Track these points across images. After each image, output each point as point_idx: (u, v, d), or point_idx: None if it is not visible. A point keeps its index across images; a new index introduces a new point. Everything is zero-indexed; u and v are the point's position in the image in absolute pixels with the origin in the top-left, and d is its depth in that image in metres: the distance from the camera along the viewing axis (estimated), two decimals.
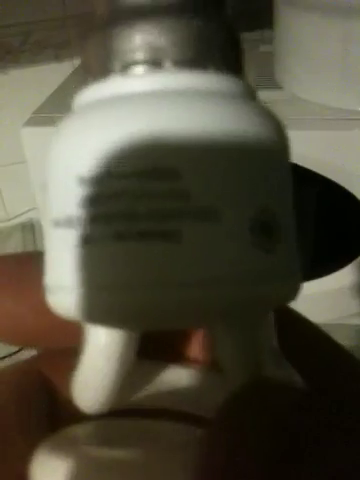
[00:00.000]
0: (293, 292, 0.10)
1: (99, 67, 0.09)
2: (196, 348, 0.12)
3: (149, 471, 0.09)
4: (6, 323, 0.11)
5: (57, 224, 0.09)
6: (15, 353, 0.55)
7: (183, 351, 0.12)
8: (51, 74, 0.63)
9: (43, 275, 0.09)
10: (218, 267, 0.08)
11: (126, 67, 0.09)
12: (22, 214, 0.75)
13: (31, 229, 0.75)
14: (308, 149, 0.42)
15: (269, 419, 0.09)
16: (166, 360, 0.12)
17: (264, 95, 0.47)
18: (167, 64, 0.09)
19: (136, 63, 0.09)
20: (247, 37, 0.67)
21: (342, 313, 0.53)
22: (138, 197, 0.08)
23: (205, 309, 0.09)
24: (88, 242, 0.08)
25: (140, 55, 0.09)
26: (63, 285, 0.09)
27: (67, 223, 0.09)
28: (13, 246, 0.72)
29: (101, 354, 0.10)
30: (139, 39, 0.09)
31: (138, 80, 0.09)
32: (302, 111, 0.44)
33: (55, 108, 0.48)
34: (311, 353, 0.12)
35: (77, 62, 0.65)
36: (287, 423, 0.09)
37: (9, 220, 0.76)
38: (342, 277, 0.50)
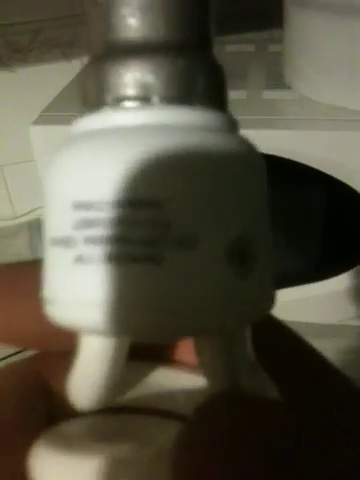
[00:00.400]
0: (265, 309, 0.11)
1: (94, 99, 0.10)
2: (183, 351, 0.13)
3: (135, 463, 0.10)
4: (9, 326, 0.12)
5: (54, 242, 0.10)
6: (14, 354, 0.55)
7: (171, 353, 0.13)
8: (59, 73, 0.63)
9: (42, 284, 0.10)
10: (195, 289, 0.09)
11: (118, 101, 0.10)
12: (29, 212, 0.75)
13: (38, 227, 0.75)
14: (317, 150, 0.42)
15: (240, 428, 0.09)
16: (155, 361, 0.12)
17: (273, 95, 0.47)
18: (155, 100, 0.10)
19: (127, 98, 0.10)
20: (256, 37, 0.67)
21: (346, 315, 0.53)
22: (125, 223, 0.09)
23: (183, 327, 0.09)
24: (80, 261, 0.09)
25: (130, 91, 0.10)
26: (57, 298, 0.10)
27: (62, 242, 0.10)
28: (20, 244, 0.73)
29: (95, 358, 0.10)
30: (129, 76, 0.10)
31: (128, 114, 0.10)
32: (311, 111, 0.44)
33: (64, 107, 0.48)
34: (288, 360, 0.13)
35: (86, 61, 0.65)
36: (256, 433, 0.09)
37: (16, 218, 0.76)
38: (347, 279, 0.50)
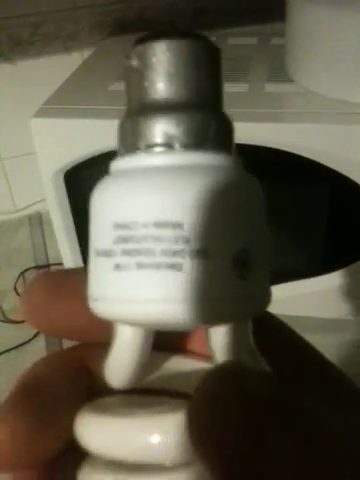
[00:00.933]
0: (263, 306, 0.13)
1: (130, 144, 0.13)
2: (195, 342, 0.15)
3: (154, 421, 0.12)
4: (59, 321, 0.14)
5: (97, 253, 0.13)
6: (14, 348, 0.55)
7: (184, 344, 0.15)
8: (60, 66, 0.63)
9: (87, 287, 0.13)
10: (208, 289, 0.12)
11: (148, 147, 0.13)
12: (30, 206, 0.75)
13: (39, 221, 0.75)
14: (319, 143, 0.41)
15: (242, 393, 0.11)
16: (171, 351, 0.15)
17: (275, 88, 0.47)
18: (177, 146, 0.12)
19: (155, 145, 0.13)
20: (259, 30, 0.67)
21: (347, 309, 0.53)
22: (154, 239, 0.12)
23: (199, 318, 0.12)
24: (118, 269, 0.12)
25: (158, 139, 0.13)
26: (100, 296, 0.13)
27: (104, 253, 0.12)
28: (21, 238, 0.73)
29: (127, 346, 0.13)
30: (157, 128, 0.13)
31: (156, 157, 0.13)
32: (313, 105, 0.44)
33: (64, 100, 0.48)
34: (285, 352, 0.15)
35: (86, 54, 0.65)
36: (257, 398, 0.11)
37: (17, 212, 0.76)
38: (349, 274, 0.50)
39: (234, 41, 0.60)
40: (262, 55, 0.56)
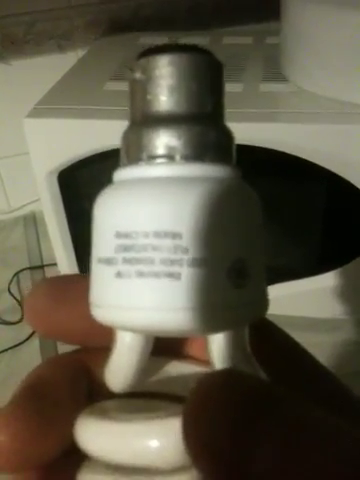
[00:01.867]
0: (261, 312, 0.14)
1: (132, 154, 0.13)
2: (195, 348, 0.15)
3: (152, 426, 0.12)
4: (61, 325, 0.15)
5: (99, 261, 0.13)
6: (10, 348, 0.55)
7: (183, 349, 0.16)
8: (54, 65, 0.62)
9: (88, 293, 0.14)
10: (206, 297, 0.12)
11: (150, 158, 0.13)
12: (24, 206, 0.75)
13: (33, 221, 0.75)
14: (314, 143, 0.41)
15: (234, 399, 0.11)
16: (172, 357, 0.15)
17: (270, 88, 0.47)
18: (177, 158, 0.13)
19: (157, 156, 0.13)
20: (254, 29, 0.67)
21: (343, 309, 0.53)
22: (154, 249, 0.12)
23: (196, 325, 0.12)
24: (119, 276, 0.13)
25: (160, 151, 0.13)
26: (101, 303, 0.13)
27: (106, 261, 0.13)
28: (16, 238, 0.72)
29: (127, 351, 0.14)
30: (159, 140, 0.13)
31: (157, 168, 0.13)
32: (309, 104, 0.44)
33: (58, 99, 0.47)
34: (280, 357, 0.15)
35: (81, 53, 0.64)
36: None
37: (11, 212, 0.76)
38: (345, 274, 0.50)
39: (229, 40, 0.60)
40: (257, 54, 0.56)
